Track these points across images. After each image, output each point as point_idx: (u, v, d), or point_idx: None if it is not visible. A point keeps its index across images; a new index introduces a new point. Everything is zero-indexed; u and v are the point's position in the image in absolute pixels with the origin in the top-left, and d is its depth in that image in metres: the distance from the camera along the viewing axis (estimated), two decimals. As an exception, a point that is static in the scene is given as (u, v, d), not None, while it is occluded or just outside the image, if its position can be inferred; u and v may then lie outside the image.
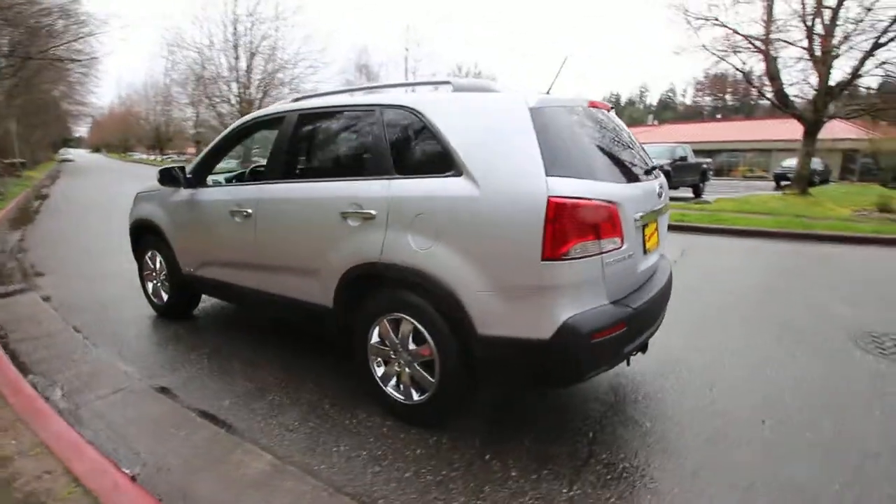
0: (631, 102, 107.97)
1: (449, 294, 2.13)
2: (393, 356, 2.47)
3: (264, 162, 4.61)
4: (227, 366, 3.16)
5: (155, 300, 4.09)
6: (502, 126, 2.13)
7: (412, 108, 2.39)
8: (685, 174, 15.39)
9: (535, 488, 2.02)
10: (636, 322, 2.18)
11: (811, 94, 13.38)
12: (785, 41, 13.51)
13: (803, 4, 12.67)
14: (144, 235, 4.04)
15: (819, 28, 12.75)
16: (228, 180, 3.82)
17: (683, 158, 15.49)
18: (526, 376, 2.15)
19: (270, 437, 2.38)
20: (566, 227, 1.92)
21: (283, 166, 2.93)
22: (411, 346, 2.37)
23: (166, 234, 3.68)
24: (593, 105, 2.45)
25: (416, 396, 2.42)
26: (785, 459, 2.22)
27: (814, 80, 13.23)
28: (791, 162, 21.64)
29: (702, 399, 2.78)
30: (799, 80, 13.76)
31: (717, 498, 1.98)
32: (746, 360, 3.30)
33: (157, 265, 3.97)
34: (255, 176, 3.98)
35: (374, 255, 2.36)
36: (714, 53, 14.14)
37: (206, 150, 3.49)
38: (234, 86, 29.60)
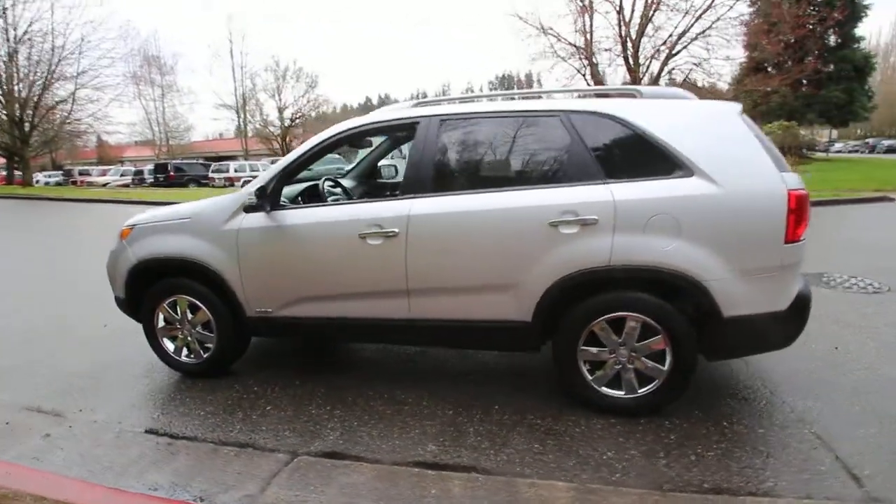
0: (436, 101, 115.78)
1: (695, 285, 2.31)
2: (609, 356, 2.53)
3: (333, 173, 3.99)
4: (375, 410, 2.75)
5: (183, 359, 3.21)
6: (725, 129, 2.38)
7: (614, 115, 2.46)
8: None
9: (793, 438, 2.36)
10: None
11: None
12: (605, 49, 16.34)
13: (619, 22, 15.52)
14: (161, 279, 3.13)
15: (629, 43, 15.78)
16: (293, 200, 3.20)
17: None
18: (760, 345, 2.47)
19: (531, 465, 2.24)
20: (801, 214, 2.28)
21: (437, 178, 2.65)
22: (637, 342, 2.47)
23: (221, 272, 2.93)
24: None
25: (640, 389, 2.53)
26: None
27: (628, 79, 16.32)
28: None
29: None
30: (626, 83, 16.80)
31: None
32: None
33: (187, 314, 3.13)
34: (312, 194, 3.41)
35: (601, 261, 2.38)
36: (559, 56, 16.31)
37: (282, 163, 2.88)
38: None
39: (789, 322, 2.39)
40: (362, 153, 4.47)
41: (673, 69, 15.90)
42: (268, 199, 2.79)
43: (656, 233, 2.33)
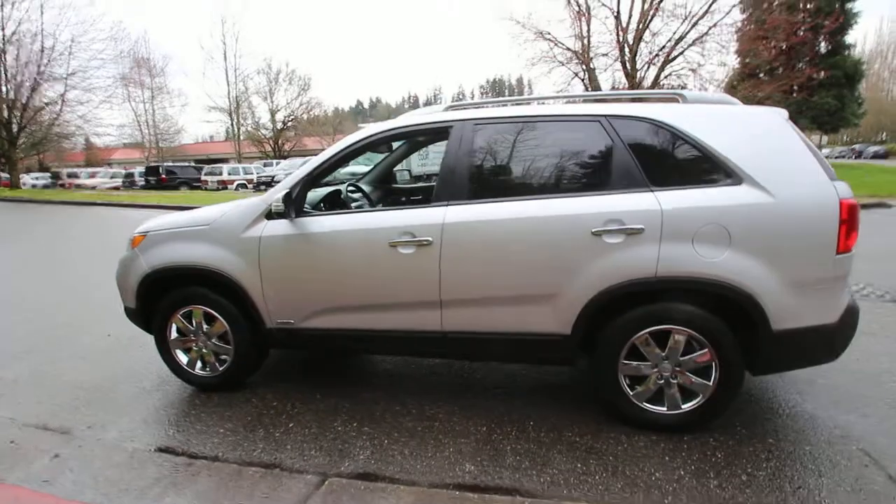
0: (428, 102, 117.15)
1: (745, 298, 2.23)
2: (652, 370, 2.44)
3: (360, 175, 3.89)
4: (405, 427, 2.63)
5: (198, 372, 3.07)
6: (774, 136, 2.30)
7: (658, 120, 2.38)
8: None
9: (841, 455, 2.28)
10: None
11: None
12: (602, 54, 16.41)
13: (616, 27, 15.59)
14: (175, 289, 2.99)
15: (626, 49, 15.87)
16: (315, 206, 3.06)
17: None
18: (808, 359, 2.39)
19: (577, 487, 2.13)
20: (852, 224, 2.21)
21: (472, 184, 2.55)
22: (682, 356, 2.39)
23: (240, 282, 2.80)
24: None
25: (684, 405, 2.44)
26: None
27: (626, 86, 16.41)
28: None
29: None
30: (617, 87, 16.87)
31: None
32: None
33: (202, 326, 2.99)
34: (334, 200, 3.29)
35: (648, 271, 2.29)
36: (559, 61, 16.35)
37: (308, 167, 2.76)
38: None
39: (839, 335, 2.31)
40: (374, 157, 4.35)
41: (669, 74, 16.01)
42: (292, 205, 2.67)
43: (705, 243, 2.24)
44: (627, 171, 2.37)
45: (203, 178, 25.53)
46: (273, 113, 41.38)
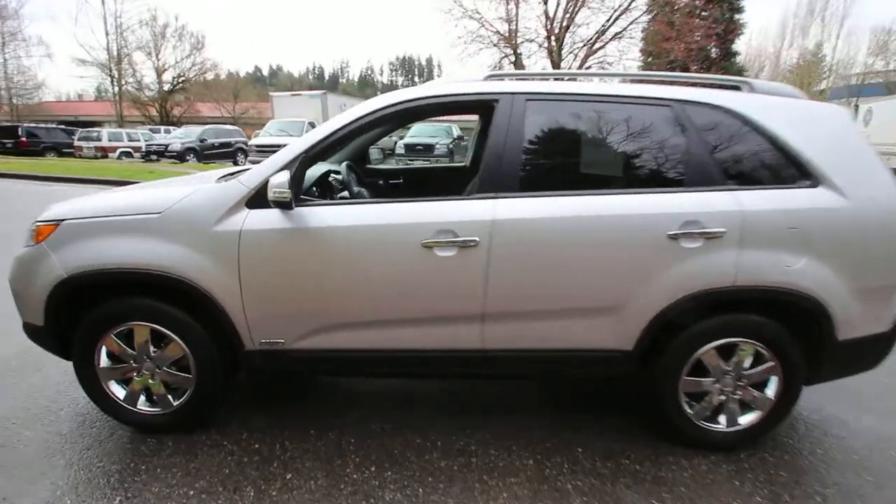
0: (335, 75, 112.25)
1: (818, 307, 2.08)
2: (714, 386, 2.23)
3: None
4: (437, 467, 2.16)
5: (141, 408, 2.31)
6: (844, 135, 2.15)
7: (735, 111, 2.12)
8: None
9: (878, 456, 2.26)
10: None
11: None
12: (528, 40, 16.51)
13: (545, 13, 15.73)
14: (107, 300, 2.20)
15: (552, 39, 16.11)
16: (306, 191, 2.38)
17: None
18: (858, 367, 2.31)
19: (663, 531, 1.85)
20: (917, 230, 2.14)
21: (526, 173, 2.11)
22: (746, 370, 2.20)
23: (209, 290, 2.10)
24: None
25: (742, 421, 2.27)
26: None
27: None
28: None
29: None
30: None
31: None
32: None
33: (150, 348, 2.24)
34: (323, 184, 2.65)
35: (726, 280, 2.05)
36: (491, 42, 16.08)
37: (308, 141, 2.11)
38: None
39: (889, 342, 2.27)
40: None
41: (590, 66, 16.60)
42: (292, 190, 2.02)
43: (784, 249, 2.05)
44: (702, 166, 2.09)
45: (77, 143, 21.63)
46: (159, 72, 36.39)
